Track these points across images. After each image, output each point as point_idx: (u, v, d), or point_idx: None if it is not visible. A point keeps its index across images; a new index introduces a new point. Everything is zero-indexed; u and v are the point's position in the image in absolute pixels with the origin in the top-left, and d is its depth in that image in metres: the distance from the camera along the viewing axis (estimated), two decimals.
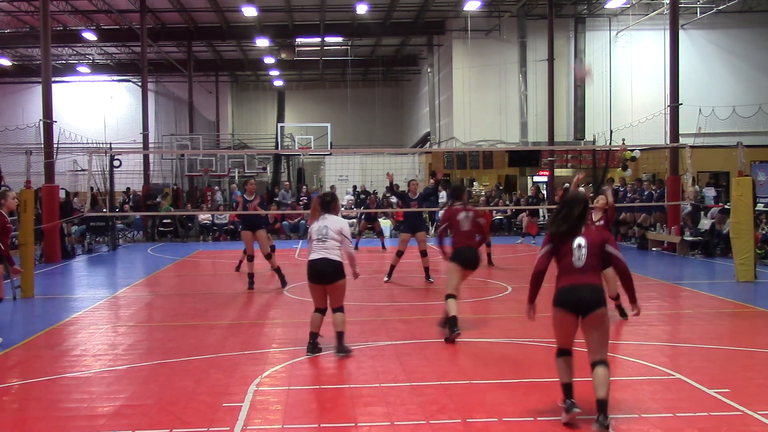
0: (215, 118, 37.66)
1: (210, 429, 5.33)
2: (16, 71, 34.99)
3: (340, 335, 7.51)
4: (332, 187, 24.02)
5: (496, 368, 7.02)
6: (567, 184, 21.78)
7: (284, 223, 23.80)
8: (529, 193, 24.20)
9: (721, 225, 16.36)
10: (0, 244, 8.38)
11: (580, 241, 5.50)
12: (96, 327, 9.45)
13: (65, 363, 7.47)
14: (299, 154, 32.30)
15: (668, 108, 18.83)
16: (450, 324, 8.06)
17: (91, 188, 24.53)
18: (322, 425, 5.38)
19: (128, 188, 26.89)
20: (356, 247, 19.48)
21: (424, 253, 12.81)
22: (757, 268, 13.31)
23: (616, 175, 24.27)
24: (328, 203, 7.65)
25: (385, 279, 13.01)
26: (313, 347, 7.58)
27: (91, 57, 34.85)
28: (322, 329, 7.67)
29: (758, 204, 16.21)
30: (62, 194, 21.03)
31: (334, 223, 7.50)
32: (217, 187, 29.08)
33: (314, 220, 7.60)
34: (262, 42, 30.44)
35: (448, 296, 8.21)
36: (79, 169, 31.27)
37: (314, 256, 7.41)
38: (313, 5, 27.54)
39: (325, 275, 7.37)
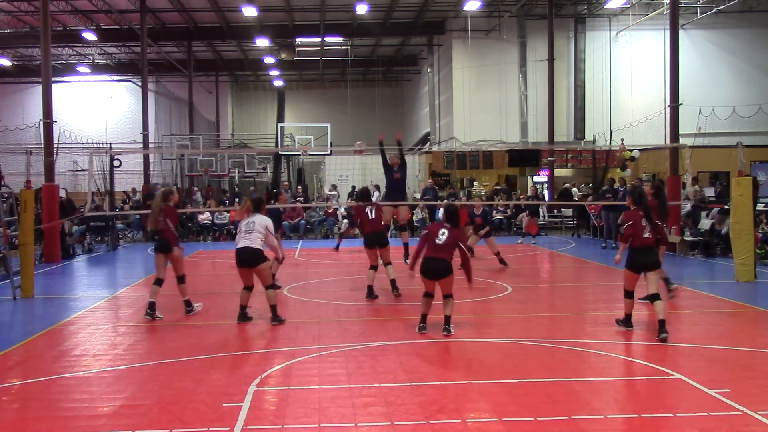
0: (215, 118, 37.67)
1: (210, 429, 5.33)
2: (16, 71, 34.99)
3: (273, 308, 9.20)
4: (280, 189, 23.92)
5: (496, 368, 7.03)
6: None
7: (284, 223, 23.76)
8: (529, 193, 24.21)
9: (721, 225, 16.36)
10: (173, 229, 9.85)
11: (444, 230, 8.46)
12: (96, 327, 9.45)
13: (65, 363, 7.47)
14: (299, 154, 32.29)
15: (668, 108, 18.82)
16: (368, 291, 11.04)
17: (65, 190, 24.35)
18: (322, 425, 5.38)
19: (147, 188, 26.43)
20: (337, 248, 18.63)
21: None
22: (757, 268, 13.32)
23: (615, 175, 24.26)
24: (258, 205, 9.43)
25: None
26: (243, 316, 9.29)
27: (91, 57, 34.86)
28: (322, 333, 7.65)
29: (758, 204, 16.20)
30: (62, 193, 21.05)
31: (260, 220, 9.18)
32: (195, 188, 28.98)
33: (244, 217, 9.30)
34: (262, 42, 30.45)
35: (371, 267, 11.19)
36: (79, 169, 31.27)
37: (240, 245, 9.07)
38: (313, 5, 27.54)
39: (248, 260, 9.01)
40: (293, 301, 11.11)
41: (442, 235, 8.41)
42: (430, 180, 26.47)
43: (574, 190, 26.66)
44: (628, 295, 8.57)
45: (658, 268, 8.55)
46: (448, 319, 8.46)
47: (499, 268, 14.69)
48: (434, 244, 8.40)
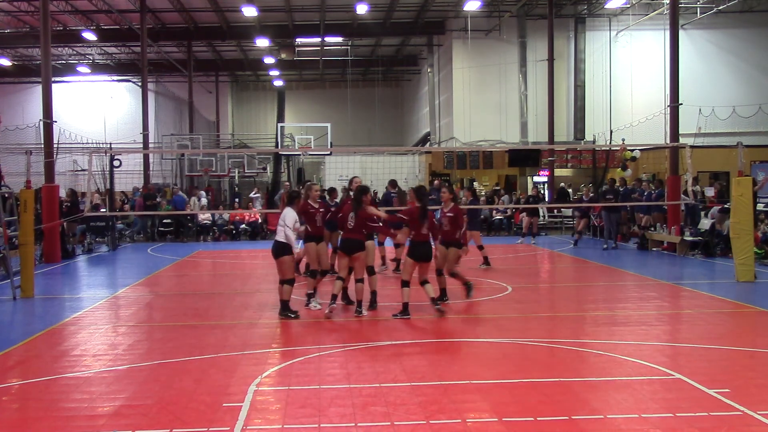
0: (215, 118, 37.66)
1: (210, 429, 5.33)
2: (16, 71, 35.00)
3: (284, 303, 9.51)
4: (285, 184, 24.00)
5: (496, 368, 7.03)
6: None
7: None
8: (529, 193, 24.19)
9: (721, 225, 16.36)
10: (307, 226, 10.23)
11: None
12: (96, 327, 9.44)
13: (65, 363, 7.47)
14: (299, 154, 32.29)
15: (668, 108, 18.82)
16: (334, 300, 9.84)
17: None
18: (322, 425, 5.38)
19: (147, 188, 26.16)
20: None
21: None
22: (757, 268, 13.32)
23: (616, 175, 24.28)
24: (291, 199, 9.74)
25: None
26: (293, 311, 9.63)
27: (91, 57, 34.87)
28: (322, 333, 7.64)
29: (758, 204, 16.20)
30: (63, 194, 21.03)
31: (283, 213, 9.53)
32: (177, 186, 28.89)
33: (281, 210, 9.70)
34: (262, 42, 30.45)
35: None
36: (79, 169, 31.26)
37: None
38: (313, 5, 27.54)
39: (274, 252, 9.52)
40: (293, 301, 11.08)
41: (351, 219, 9.54)
42: (436, 180, 26.48)
43: (570, 190, 26.70)
44: (406, 284, 9.47)
45: (430, 260, 9.69)
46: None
47: (503, 268, 14.70)
48: (346, 227, 9.59)
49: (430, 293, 9.59)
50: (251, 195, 26.84)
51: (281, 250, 9.39)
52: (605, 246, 18.64)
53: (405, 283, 9.49)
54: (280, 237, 9.41)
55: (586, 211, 20.12)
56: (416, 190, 10.02)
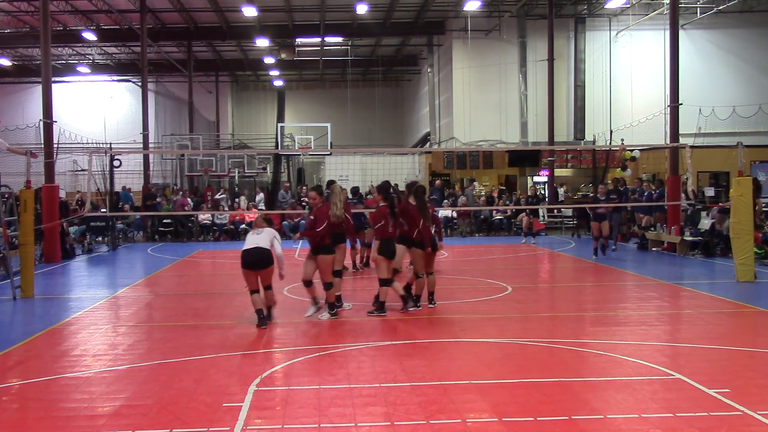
0: (215, 118, 37.64)
1: (210, 429, 5.33)
2: (16, 71, 34.97)
3: (269, 309, 9.25)
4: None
5: (496, 368, 7.03)
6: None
7: (284, 223, 23.81)
8: (529, 193, 24.21)
9: (721, 225, 16.37)
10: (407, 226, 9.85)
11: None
12: (96, 327, 9.44)
13: (65, 363, 7.47)
14: (299, 154, 32.29)
15: (668, 108, 18.83)
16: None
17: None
18: (322, 425, 5.38)
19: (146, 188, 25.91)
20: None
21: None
22: (757, 268, 13.32)
23: (616, 175, 24.28)
24: (270, 222, 9.40)
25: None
26: (263, 321, 8.98)
27: (91, 57, 34.85)
28: (322, 333, 7.66)
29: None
30: (64, 194, 21.05)
31: (269, 232, 9.10)
32: (176, 187, 28.89)
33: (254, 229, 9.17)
34: (262, 42, 30.44)
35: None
36: (79, 169, 31.25)
37: (248, 246, 8.93)
38: (313, 5, 27.54)
39: (255, 262, 8.89)
40: (293, 301, 11.10)
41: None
42: (438, 180, 26.50)
43: (561, 191, 26.73)
44: (385, 282, 9.50)
45: (394, 258, 9.57)
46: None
47: (503, 267, 14.69)
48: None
49: (399, 291, 9.75)
50: (216, 197, 26.54)
51: (269, 258, 8.95)
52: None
53: (384, 282, 9.53)
54: (263, 243, 8.91)
55: (603, 213, 16.53)
56: (380, 188, 9.86)
